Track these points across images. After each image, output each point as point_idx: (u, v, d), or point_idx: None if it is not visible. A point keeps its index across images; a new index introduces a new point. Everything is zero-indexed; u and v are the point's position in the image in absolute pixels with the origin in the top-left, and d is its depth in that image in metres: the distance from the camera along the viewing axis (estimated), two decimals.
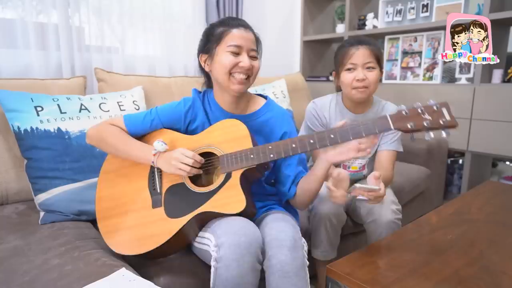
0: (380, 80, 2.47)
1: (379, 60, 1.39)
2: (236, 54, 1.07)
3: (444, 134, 0.89)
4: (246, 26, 1.11)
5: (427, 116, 0.89)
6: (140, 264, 1.04)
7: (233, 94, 1.10)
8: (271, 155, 1.00)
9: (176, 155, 1.02)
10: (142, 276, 0.89)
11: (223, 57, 1.07)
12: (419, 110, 0.90)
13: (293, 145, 0.99)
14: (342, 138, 0.95)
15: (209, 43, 1.10)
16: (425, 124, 0.89)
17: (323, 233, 1.34)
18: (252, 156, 1.01)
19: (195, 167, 1.03)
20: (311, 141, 0.98)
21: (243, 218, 0.99)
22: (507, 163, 2.56)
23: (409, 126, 0.90)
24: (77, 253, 1.01)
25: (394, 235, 1.14)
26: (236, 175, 1.01)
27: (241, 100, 1.15)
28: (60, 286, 0.85)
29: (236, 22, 1.10)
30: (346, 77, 1.39)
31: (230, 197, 0.99)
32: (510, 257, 0.98)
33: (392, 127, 0.91)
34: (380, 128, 0.92)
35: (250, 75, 1.09)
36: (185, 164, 1.01)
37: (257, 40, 1.14)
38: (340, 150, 1.02)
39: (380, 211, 1.30)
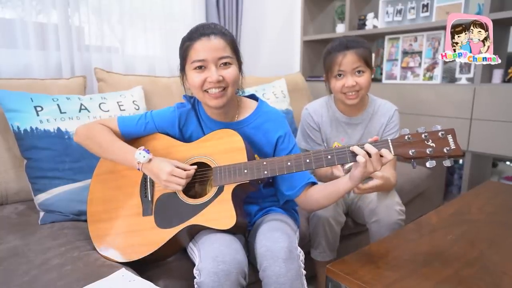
0: (377, 80, 2.51)
1: (368, 62, 1.36)
2: (202, 69, 1.00)
3: (447, 163, 0.87)
4: (210, 33, 0.99)
5: (430, 143, 0.87)
6: (139, 265, 1.03)
7: (214, 108, 1.06)
8: (265, 172, 0.97)
9: (164, 177, 0.98)
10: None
11: (191, 75, 1.02)
12: (423, 136, 0.88)
13: (288, 163, 0.96)
14: (340, 161, 0.93)
15: (182, 60, 1.05)
16: (427, 151, 0.87)
17: (322, 234, 1.34)
18: (245, 171, 0.98)
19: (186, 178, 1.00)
20: (307, 160, 0.95)
21: (228, 237, 0.98)
22: (507, 163, 2.56)
23: (410, 153, 0.88)
24: (76, 253, 1.01)
25: (394, 235, 1.13)
26: (229, 189, 1.00)
27: (229, 108, 1.10)
28: (59, 286, 0.85)
29: (200, 31, 1.00)
30: (336, 84, 1.38)
31: (221, 211, 0.98)
32: (510, 257, 0.98)
33: (392, 153, 0.89)
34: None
35: (226, 86, 1.01)
36: (177, 184, 0.98)
37: (232, 44, 1.03)
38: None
39: (384, 211, 1.29)
